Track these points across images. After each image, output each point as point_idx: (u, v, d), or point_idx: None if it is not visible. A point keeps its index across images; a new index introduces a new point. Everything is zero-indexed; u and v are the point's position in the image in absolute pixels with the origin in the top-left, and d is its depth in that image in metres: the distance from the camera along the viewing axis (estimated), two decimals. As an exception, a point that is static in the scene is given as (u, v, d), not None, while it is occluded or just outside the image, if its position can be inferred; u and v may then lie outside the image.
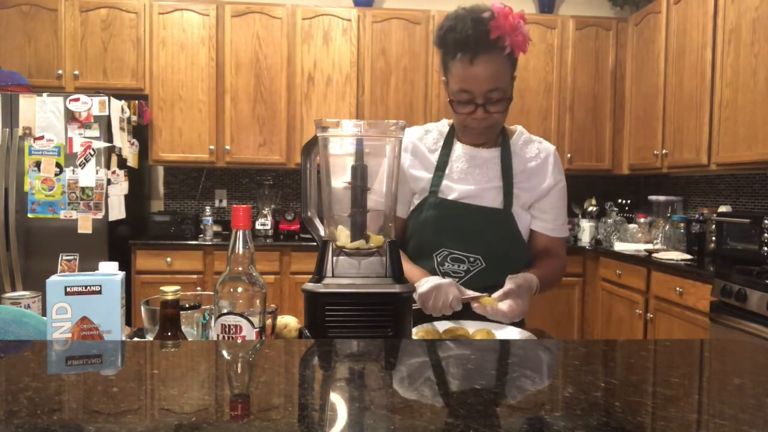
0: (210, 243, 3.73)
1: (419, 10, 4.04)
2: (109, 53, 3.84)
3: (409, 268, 1.45)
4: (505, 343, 0.95)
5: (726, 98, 3.05)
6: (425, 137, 1.56)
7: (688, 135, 3.39)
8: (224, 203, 4.33)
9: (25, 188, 3.33)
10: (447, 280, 1.35)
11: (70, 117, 3.35)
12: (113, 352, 0.83)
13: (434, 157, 1.52)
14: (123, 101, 3.55)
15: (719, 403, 0.68)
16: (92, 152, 3.37)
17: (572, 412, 0.62)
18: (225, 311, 0.97)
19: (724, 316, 2.60)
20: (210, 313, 1.10)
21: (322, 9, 3.97)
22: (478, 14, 1.33)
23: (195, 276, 3.67)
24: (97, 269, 1.16)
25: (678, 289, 2.97)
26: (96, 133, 3.38)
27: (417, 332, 1.25)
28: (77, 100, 3.35)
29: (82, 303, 1.03)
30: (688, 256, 3.25)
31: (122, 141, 3.50)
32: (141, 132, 3.84)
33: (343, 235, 1.10)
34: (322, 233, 1.17)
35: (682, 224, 3.53)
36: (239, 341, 0.96)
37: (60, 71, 3.80)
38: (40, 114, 3.33)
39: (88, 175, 3.37)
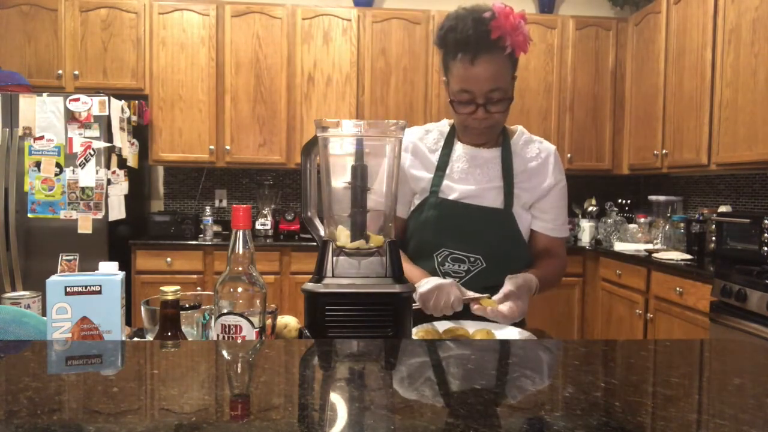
0: (210, 243, 3.73)
1: (419, 10, 4.05)
2: (109, 53, 3.85)
3: (409, 268, 1.45)
4: (505, 343, 0.95)
5: (726, 98, 3.05)
6: (426, 137, 1.56)
7: (688, 135, 3.39)
8: (224, 203, 4.33)
9: (25, 188, 3.33)
10: (448, 280, 1.35)
11: (70, 117, 3.35)
12: (113, 352, 0.83)
13: (435, 157, 1.52)
14: (123, 101, 3.55)
15: (719, 403, 0.68)
16: (92, 152, 3.37)
17: (572, 412, 0.62)
18: (225, 311, 0.97)
19: (724, 316, 2.60)
20: (210, 313, 1.10)
21: (322, 9, 3.97)
22: (478, 14, 1.33)
23: (195, 276, 3.67)
24: (97, 269, 1.16)
25: (678, 289, 2.97)
26: (96, 133, 3.38)
27: (417, 332, 1.25)
28: (77, 100, 3.35)
29: (82, 303, 1.03)
30: (688, 256, 3.25)
31: (122, 141, 3.50)
32: (141, 132, 3.84)
33: (343, 235, 1.10)
34: (322, 233, 1.17)
35: (682, 224, 3.53)
36: (239, 341, 0.96)
37: (60, 71, 3.80)
38: (40, 114, 3.33)
39: (88, 175, 3.37)
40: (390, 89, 4.02)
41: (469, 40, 1.33)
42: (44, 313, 1.05)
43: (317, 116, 3.95)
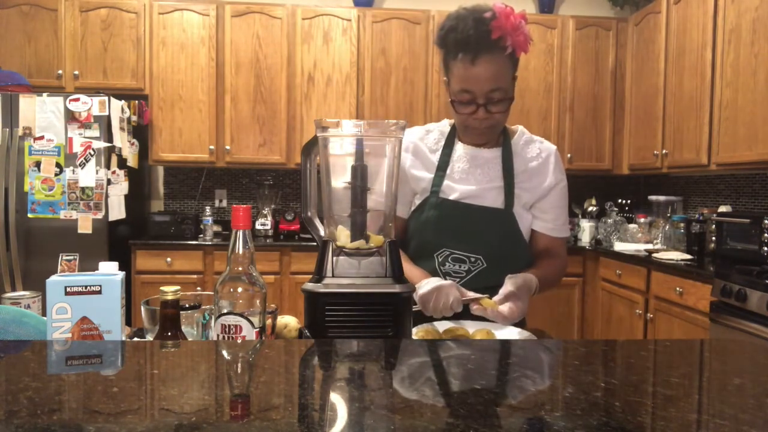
0: (210, 243, 3.73)
1: (419, 10, 4.05)
2: (109, 53, 3.85)
3: (409, 268, 1.45)
4: (505, 343, 0.95)
5: (726, 98, 3.05)
6: (426, 137, 1.56)
7: (688, 135, 3.39)
8: (224, 203, 4.33)
9: (25, 188, 3.33)
10: (448, 281, 1.35)
11: (70, 117, 3.35)
12: (113, 352, 0.83)
13: (435, 157, 1.52)
14: (123, 101, 3.55)
15: (719, 403, 0.68)
16: (92, 152, 3.37)
17: (572, 412, 0.62)
18: (225, 311, 0.97)
19: (724, 316, 2.60)
20: (210, 313, 1.10)
21: (322, 9, 3.97)
22: (479, 14, 1.33)
23: (195, 276, 3.67)
24: (97, 269, 1.16)
25: (678, 289, 2.97)
26: (96, 133, 3.38)
27: (417, 332, 1.25)
28: (77, 100, 3.35)
29: (82, 303, 1.03)
30: (688, 256, 3.25)
31: (122, 141, 3.50)
32: (141, 132, 3.84)
33: (343, 235, 1.10)
34: (322, 233, 1.17)
35: (682, 224, 3.53)
36: (239, 341, 0.96)
37: (60, 71, 3.80)
38: (40, 114, 3.33)
39: (88, 175, 3.37)
40: (390, 89, 4.02)
41: (469, 40, 1.33)
42: (44, 313, 1.05)
43: (317, 116, 3.95)
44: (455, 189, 1.49)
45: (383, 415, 0.60)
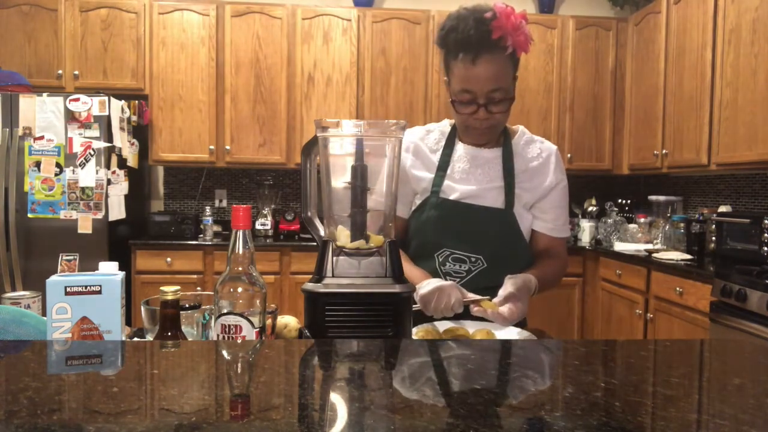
0: (210, 243, 3.73)
1: (419, 10, 4.05)
2: (109, 53, 3.85)
3: (409, 268, 1.45)
4: (505, 343, 0.95)
5: (726, 98, 3.05)
6: (427, 137, 1.56)
7: (688, 135, 3.39)
8: (224, 203, 4.33)
9: (25, 188, 3.33)
10: (449, 282, 1.35)
11: (70, 117, 3.35)
12: (113, 352, 0.83)
13: (436, 157, 1.53)
14: (123, 101, 3.55)
15: (719, 403, 0.68)
16: (92, 152, 3.37)
17: (572, 412, 0.62)
18: (225, 311, 0.97)
19: (724, 316, 2.60)
20: (210, 313, 1.10)
21: (322, 9, 3.97)
22: (480, 14, 1.33)
23: (195, 276, 3.67)
24: (97, 269, 1.16)
25: (678, 289, 2.97)
26: (96, 133, 3.38)
27: (417, 332, 1.25)
28: (77, 100, 3.35)
29: (82, 303, 1.03)
30: (688, 256, 3.25)
31: (122, 141, 3.50)
32: (141, 132, 3.84)
33: (343, 235, 1.10)
34: (322, 233, 1.17)
35: (682, 224, 3.53)
36: (239, 341, 0.96)
37: (60, 71, 3.80)
38: (40, 114, 3.33)
39: (88, 175, 3.37)
40: (390, 89, 4.02)
41: (470, 40, 1.33)
42: (44, 313, 1.05)
43: (317, 116, 3.95)
44: (456, 189, 1.49)
45: (383, 415, 0.60)
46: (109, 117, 3.40)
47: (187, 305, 1.15)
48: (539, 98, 4.12)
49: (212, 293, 1.02)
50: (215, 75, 3.91)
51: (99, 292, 1.03)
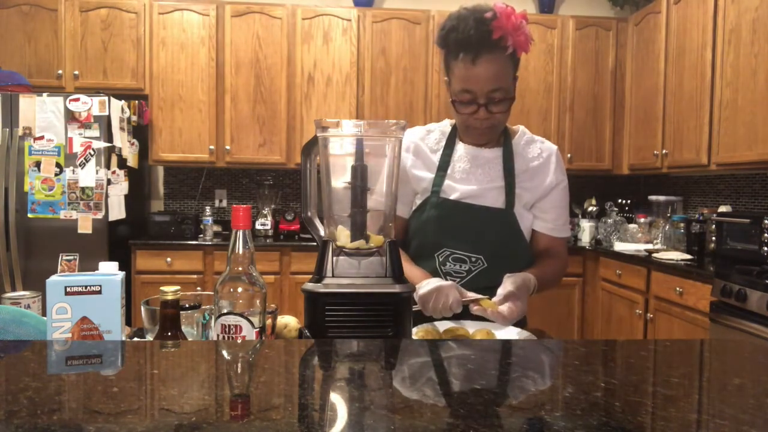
0: (210, 243, 3.73)
1: (419, 10, 4.05)
2: (109, 53, 3.85)
3: (409, 268, 1.45)
4: (505, 344, 0.95)
5: (726, 98, 3.05)
6: (427, 137, 1.56)
7: (688, 135, 3.39)
8: (224, 203, 4.33)
9: (25, 188, 3.33)
10: (448, 282, 1.35)
11: (70, 117, 3.35)
12: (113, 352, 0.83)
13: (436, 157, 1.53)
14: (123, 101, 3.55)
15: (719, 403, 0.68)
16: (92, 152, 3.37)
17: (572, 412, 0.62)
18: (225, 311, 0.97)
19: (724, 316, 2.60)
20: (210, 313, 1.10)
21: (322, 9, 3.97)
22: (480, 14, 1.33)
23: (195, 276, 3.67)
24: (97, 269, 1.16)
25: (678, 289, 2.97)
26: (96, 133, 3.38)
27: (417, 332, 1.25)
28: (77, 100, 3.35)
29: (82, 303, 1.03)
30: (688, 256, 3.25)
31: (122, 141, 3.50)
32: (141, 132, 3.84)
33: (343, 235, 1.10)
34: (322, 233, 1.17)
35: (682, 224, 3.53)
36: (239, 341, 0.96)
37: (60, 71, 3.80)
38: (40, 114, 3.33)
39: (88, 175, 3.37)
40: (390, 89, 4.02)
41: (470, 40, 1.33)
42: (44, 313, 1.05)
43: (317, 116, 3.95)
44: (456, 189, 1.49)
45: (383, 415, 0.60)
46: (109, 117, 3.40)
47: (187, 305, 1.15)
48: (539, 98, 4.12)
49: (212, 293, 1.02)
50: (215, 75, 3.91)
51: (99, 292, 1.03)
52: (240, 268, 0.99)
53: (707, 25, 3.19)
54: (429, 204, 1.50)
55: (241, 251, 0.99)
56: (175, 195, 4.35)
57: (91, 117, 3.36)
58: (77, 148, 3.36)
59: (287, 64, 3.95)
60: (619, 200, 4.24)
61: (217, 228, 3.96)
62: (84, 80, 3.82)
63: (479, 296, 1.32)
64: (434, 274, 1.47)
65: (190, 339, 1.08)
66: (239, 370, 0.77)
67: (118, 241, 3.55)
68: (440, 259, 1.50)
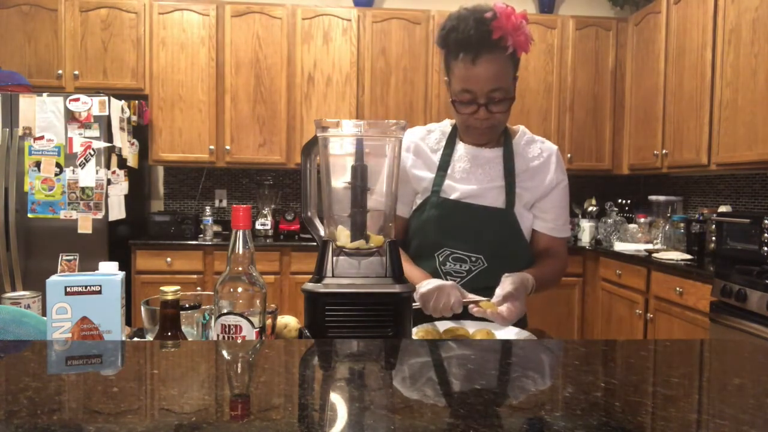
0: (210, 243, 3.73)
1: (419, 10, 4.05)
2: (109, 53, 3.85)
3: (409, 269, 1.45)
4: (505, 344, 0.95)
5: (726, 98, 3.05)
6: (428, 137, 1.56)
7: (688, 135, 3.39)
8: (224, 203, 4.33)
9: (25, 188, 3.33)
10: (449, 282, 1.35)
11: (70, 117, 3.35)
12: (113, 352, 0.83)
13: (436, 157, 1.53)
14: (123, 101, 3.55)
15: (719, 403, 0.68)
16: (92, 152, 3.37)
17: (572, 412, 0.62)
18: (225, 311, 0.97)
19: (724, 316, 2.60)
20: (210, 313, 1.10)
21: (322, 9, 3.97)
22: (480, 14, 1.33)
23: (195, 276, 3.67)
24: (97, 269, 1.16)
25: (678, 289, 2.97)
26: (96, 133, 3.38)
27: (417, 332, 1.25)
28: (77, 100, 3.35)
29: (82, 303, 1.03)
30: (688, 256, 3.25)
31: (122, 141, 3.50)
32: (141, 132, 3.84)
33: (343, 235, 1.10)
34: (322, 233, 1.17)
35: (682, 224, 3.53)
36: (239, 341, 0.96)
37: (60, 71, 3.80)
38: (40, 114, 3.33)
39: (88, 175, 3.37)
40: (390, 89, 4.02)
41: (470, 40, 1.33)
42: (44, 313, 1.05)
43: (317, 116, 3.95)
44: (456, 188, 1.49)
45: (383, 415, 0.60)
46: (109, 117, 3.40)
47: (187, 305, 1.15)
48: (539, 98, 4.12)
49: (212, 293, 1.02)
50: (215, 75, 3.91)
51: (99, 292, 1.03)
52: (240, 268, 0.99)
53: (707, 25, 3.19)
54: (429, 204, 1.50)
55: (241, 251, 0.99)
56: (175, 195, 4.35)
57: (91, 117, 3.36)
58: (77, 148, 3.36)
59: (287, 64, 3.95)
60: (619, 200, 4.24)
61: (217, 228, 3.96)
62: (84, 80, 3.82)
63: (479, 298, 1.32)
64: (434, 273, 1.47)
65: (190, 339, 1.08)
66: (239, 370, 0.77)
67: (118, 241, 3.55)
68: (440, 259, 1.50)
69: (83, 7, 3.81)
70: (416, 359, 0.82)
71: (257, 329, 0.98)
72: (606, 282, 3.74)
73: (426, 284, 1.33)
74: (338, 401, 0.65)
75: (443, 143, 1.54)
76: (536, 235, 1.55)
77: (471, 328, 1.30)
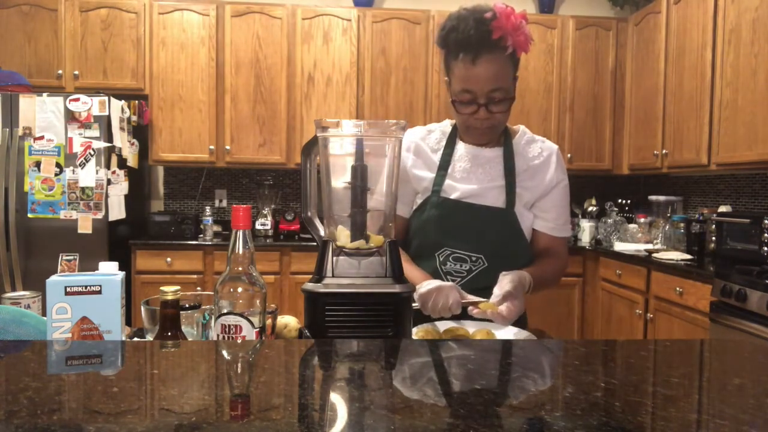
0: (210, 243, 3.73)
1: (419, 10, 4.05)
2: (109, 53, 3.85)
3: (410, 269, 1.45)
4: (505, 344, 0.95)
5: (726, 98, 3.05)
6: (428, 137, 1.56)
7: (688, 135, 3.39)
8: (224, 203, 4.33)
9: (25, 188, 3.33)
10: (448, 283, 1.35)
11: (70, 117, 3.35)
12: (113, 352, 0.83)
13: (437, 157, 1.53)
14: (123, 101, 3.55)
15: (719, 403, 0.68)
16: (92, 152, 3.37)
17: (572, 412, 0.62)
18: (225, 311, 0.97)
19: (724, 316, 2.60)
20: (210, 313, 1.10)
21: (322, 9, 3.97)
22: (480, 14, 1.33)
23: (195, 276, 3.67)
24: (97, 269, 1.16)
25: (678, 289, 2.97)
26: (96, 133, 3.38)
27: (417, 332, 1.25)
28: (77, 100, 3.35)
29: (82, 303, 1.03)
30: (688, 256, 3.25)
31: (122, 141, 3.50)
32: (141, 132, 3.84)
33: (343, 235, 1.10)
34: (322, 233, 1.17)
35: (682, 224, 3.53)
36: (239, 341, 0.96)
37: (60, 71, 3.80)
38: (40, 114, 3.33)
39: (88, 175, 3.37)
40: (390, 89, 4.02)
41: (470, 40, 1.33)
42: (44, 313, 1.05)
43: (317, 116, 3.95)
44: (457, 188, 1.49)
45: (383, 415, 0.60)
46: (109, 117, 3.40)
47: (187, 305, 1.15)
48: (539, 98, 4.12)
49: (212, 293, 1.02)
50: (215, 75, 3.91)
51: (99, 292, 1.03)
52: (240, 268, 0.99)
53: (707, 25, 3.19)
54: (429, 203, 1.50)
55: (241, 251, 0.99)
56: (175, 195, 4.35)
57: (91, 117, 3.36)
58: (77, 148, 3.36)
59: (287, 64, 3.95)
60: (619, 200, 4.24)
61: (217, 228, 3.96)
62: (84, 80, 3.82)
63: (478, 299, 1.32)
64: (435, 273, 1.47)
65: (190, 339, 1.08)
66: (239, 370, 0.77)
67: (118, 241, 3.55)
68: (441, 259, 1.50)
69: (83, 7, 3.81)
70: (416, 359, 0.82)
71: (257, 329, 0.98)
72: (606, 282, 3.74)
73: (425, 285, 1.33)
74: (338, 401, 0.65)
75: (443, 143, 1.54)
76: (536, 235, 1.55)
77: (471, 328, 1.30)
